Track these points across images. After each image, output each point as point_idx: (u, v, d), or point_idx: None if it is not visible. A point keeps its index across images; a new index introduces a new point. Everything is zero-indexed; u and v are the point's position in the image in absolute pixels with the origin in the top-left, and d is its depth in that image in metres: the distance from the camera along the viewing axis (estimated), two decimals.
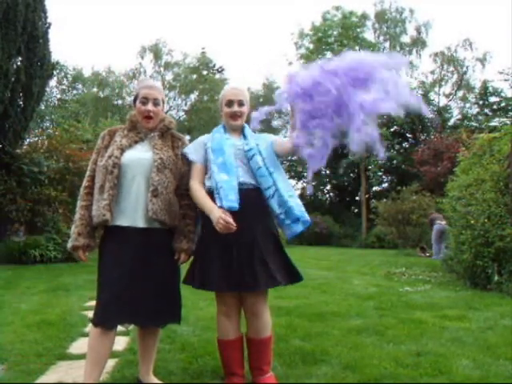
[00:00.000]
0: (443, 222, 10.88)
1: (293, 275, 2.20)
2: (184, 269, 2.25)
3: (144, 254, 2.04)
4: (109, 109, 23.30)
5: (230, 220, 1.97)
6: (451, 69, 22.33)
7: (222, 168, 2.12)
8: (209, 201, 2.10)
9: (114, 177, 2.03)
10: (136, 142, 2.15)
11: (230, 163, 2.13)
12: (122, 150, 2.09)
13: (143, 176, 2.07)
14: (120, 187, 2.05)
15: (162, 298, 2.08)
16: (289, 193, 2.17)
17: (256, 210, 2.14)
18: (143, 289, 2.02)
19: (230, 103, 2.26)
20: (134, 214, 2.05)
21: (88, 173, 2.17)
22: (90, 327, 2.11)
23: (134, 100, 2.20)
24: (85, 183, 2.15)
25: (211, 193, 2.13)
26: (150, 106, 2.14)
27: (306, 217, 2.17)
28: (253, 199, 2.13)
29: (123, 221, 2.05)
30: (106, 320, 1.98)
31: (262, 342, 2.20)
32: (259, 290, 2.11)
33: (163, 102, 2.22)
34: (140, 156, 2.10)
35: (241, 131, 2.33)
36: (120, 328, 2.17)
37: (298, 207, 2.15)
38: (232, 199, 2.03)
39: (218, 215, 1.99)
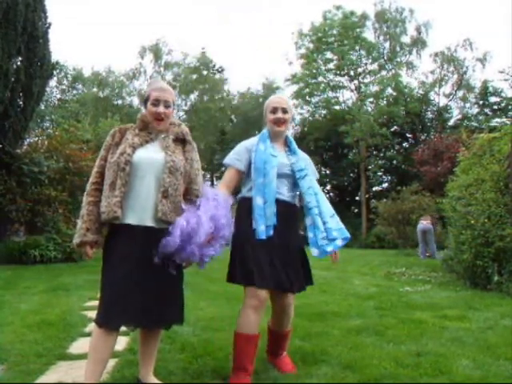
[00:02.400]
0: (425, 222, 10.92)
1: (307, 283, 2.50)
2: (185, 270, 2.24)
3: (149, 254, 2.02)
4: (109, 109, 23.24)
5: None
6: (451, 69, 22.33)
7: (260, 191, 2.28)
8: None
9: (125, 174, 2.04)
10: (147, 142, 2.16)
11: (270, 188, 2.27)
12: (134, 148, 2.09)
13: (153, 176, 2.08)
14: (130, 185, 2.06)
15: (166, 300, 2.08)
16: (330, 213, 2.40)
17: (292, 224, 2.39)
18: (148, 289, 2.02)
19: (274, 110, 2.42)
20: (142, 212, 2.05)
21: (95, 169, 2.16)
22: (92, 327, 2.10)
23: (145, 101, 2.21)
24: (92, 179, 2.14)
25: (250, 204, 2.30)
26: (161, 109, 2.15)
27: (345, 234, 2.40)
28: (290, 214, 2.37)
29: (132, 219, 2.05)
30: (109, 320, 1.98)
31: (285, 334, 2.52)
32: (292, 292, 2.37)
33: (174, 104, 2.23)
34: (151, 156, 2.10)
35: (285, 142, 2.49)
36: (122, 328, 2.17)
37: (336, 226, 2.38)
38: (262, 230, 2.24)
39: None
